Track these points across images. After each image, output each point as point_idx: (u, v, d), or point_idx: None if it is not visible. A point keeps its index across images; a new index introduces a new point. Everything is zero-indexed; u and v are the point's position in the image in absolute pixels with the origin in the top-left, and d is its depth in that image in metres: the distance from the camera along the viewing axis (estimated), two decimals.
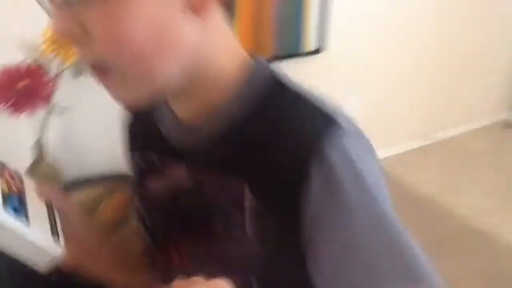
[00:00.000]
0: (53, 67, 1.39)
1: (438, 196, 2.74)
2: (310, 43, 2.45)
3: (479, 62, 3.36)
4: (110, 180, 1.55)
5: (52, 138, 1.57)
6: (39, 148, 1.49)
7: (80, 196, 1.49)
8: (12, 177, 0.58)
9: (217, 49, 0.54)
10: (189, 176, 0.60)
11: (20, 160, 1.48)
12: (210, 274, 0.43)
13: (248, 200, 0.54)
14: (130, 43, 0.46)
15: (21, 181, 0.59)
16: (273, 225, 0.53)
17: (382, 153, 3.09)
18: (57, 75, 1.40)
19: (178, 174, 0.62)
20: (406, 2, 2.78)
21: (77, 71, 1.44)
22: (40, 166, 1.49)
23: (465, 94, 3.40)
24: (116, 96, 0.53)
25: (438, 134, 3.37)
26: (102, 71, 0.50)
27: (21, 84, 1.31)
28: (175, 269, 0.67)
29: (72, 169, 1.65)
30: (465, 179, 2.95)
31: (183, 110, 0.60)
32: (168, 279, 0.43)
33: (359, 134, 0.54)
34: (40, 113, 1.40)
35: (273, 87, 0.58)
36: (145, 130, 0.69)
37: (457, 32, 3.10)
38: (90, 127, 1.74)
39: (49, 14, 0.51)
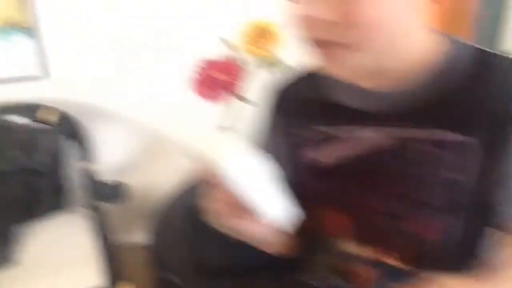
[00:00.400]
0: (248, 62, 1.51)
1: None
2: (509, 44, 2.30)
3: None
4: None
5: (239, 126, 1.71)
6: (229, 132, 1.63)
7: None
8: None
9: (418, 25, 0.61)
10: (387, 136, 0.66)
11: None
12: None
13: (471, 154, 0.62)
14: (384, 25, 0.56)
15: None
16: (482, 161, 0.61)
17: None
18: (251, 70, 1.51)
19: (369, 137, 0.67)
20: None
21: (270, 66, 1.54)
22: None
23: None
24: (341, 67, 0.61)
25: None
26: (339, 47, 0.58)
27: (220, 76, 1.45)
28: (332, 233, 0.75)
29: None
30: None
31: (373, 79, 0.65)
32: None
33: None
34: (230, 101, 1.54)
35: (478, 56, 0.65)
36: (303, 104, 0.75)
37: None
38: None
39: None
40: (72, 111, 1.71)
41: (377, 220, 0.70)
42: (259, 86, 1.60)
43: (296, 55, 1.56)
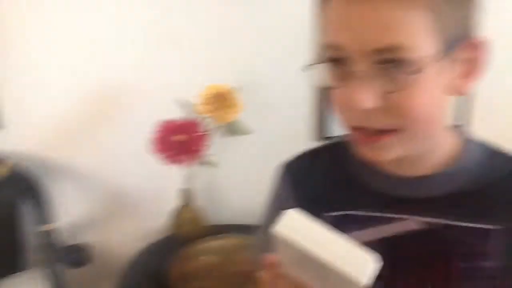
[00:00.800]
0: (207, 124, 1.55)
1: None
2: None
3: None
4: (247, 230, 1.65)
5: (199, 186, 1.73)
6: (186, 194, 1.65)
7: (220, 242, 1.61)
8: None
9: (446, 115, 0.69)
10: (425, 222, 0.70)
11: (167, 202, 1.68)
12: None
13: (494, 241, 0.68)
14: (423, 114, 0.62)
15: None
16: None
17: None
18: (210, 132, 1.55)
19: (406, 223, 0.71)
20: None
21: (229, 131, 1.59)
22: (185, 209, 1.65)
23: None
24: (379, 153, 0.65)
25: None
26: (381, 133, 0.63)
27: (178, 138, 1.49)
28: None
29: (213, 216, 1.79)
30: None
31: (409, 167, 0.70)
32: None
33: None
34: (191, 164, 1.56)
35: (490, 149, 0.74)
36: (332, 188, 0.77)
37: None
38: (233, 181, 1.88)
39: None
40: (26, 165, 1.70)
41: None
42: (219, 148, 1.65)
43: (255, 120, 1.64)
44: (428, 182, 0.70)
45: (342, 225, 0.71)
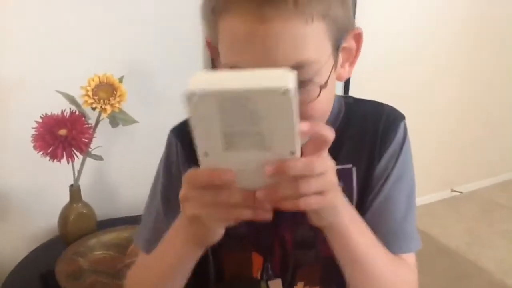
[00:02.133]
0: (91, 116, 1.51)
1: (464, 249, 2.72)
2: None
3: (507, 115, 3.38)
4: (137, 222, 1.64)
5: (87, 181, 1.68)
6: (74, 190, 1.60)
7: (110, 236, 1.58)
8: None
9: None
10: None
11: (58, 200, 1.62)
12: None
13: (355, 178, 0.78)
14: (328, 110, 0.72)
15: None
16: (368, 187, 0.78)
17: None
18: (95, 125, 1.51)
19: None
20: (433, 53, 2.86)
21: (115, 122, 1.55)
22: (75, 206, 1.59)
23: (492, 147, 3.41)
24: None
25: (464, 186, 3.36)
26: None
27: (62, 131, 1.43)
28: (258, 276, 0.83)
29: (104, 210, 1.75)
30: (492, 232, 2.92)
31: None
32: None
33: None
34: (77, 158, 1.51)
35: (348, 99, 0.85)
36: None
37: (483, 86, 3.15)
38: (120, 173, 1.85)
39: None
40: None
41: (297, 254, 0.79)
42: (105, 140, 1.62)
43: (139, 110, 1.63)
44: None
45: None
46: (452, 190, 3.34)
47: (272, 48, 0.58)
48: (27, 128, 1.43)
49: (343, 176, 0.70)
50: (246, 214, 0.55)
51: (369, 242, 0.70)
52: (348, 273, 0.71)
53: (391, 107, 0.85)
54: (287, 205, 0.53)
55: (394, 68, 2.74)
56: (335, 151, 0.64)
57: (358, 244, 0.67)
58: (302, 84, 0.61)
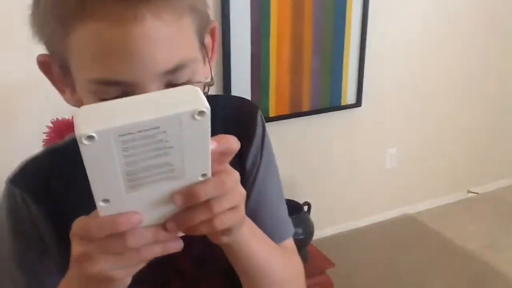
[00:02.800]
0: None
1: (478, 251, 2.68)
2: (348, 97, 2.52)
3: None
4: None
5: None
6: None
7: None
8: None
9: None
10: None
11: None
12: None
13: None
14: None
15: None
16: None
17: (422, 205, 3.09)
18: None
19: None
20: (443, 58, 2.83)
21: None
22: None
23: (506, 148, 3.36)
24: None
25: (478, 188, 3.32)
26: None
27: (73, 135, 1.42)
28: None
29: None
30: (509, 235, 2.88)
31: None
32: None
33: None
34: None
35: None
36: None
37: (499, 86, 3.10)
38: None
39: None
40: None
41: (197, 273, 0.75)
42: None
43: None
44: None
45: None
46: (469, 191, 3.30)
47: (149, 50, 0.51)
48: (38, 132, 1.43)
49: None
50: (157, 251, 0.49)
51: (267, 247, 0.68)
52: (248, 282, 0.69)
53: (242, 98, 0.79)
54: (203, 229, 0.49)
55: (410, 73, 2.72)
56: None
57: (258, 252, 0.64)
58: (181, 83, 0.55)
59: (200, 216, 0.48)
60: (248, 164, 0.75)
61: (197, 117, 0.41)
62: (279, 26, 2.24)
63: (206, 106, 0.41)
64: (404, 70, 2.71)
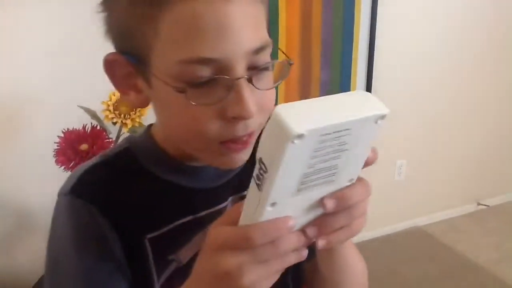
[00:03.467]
0: (113, 131, 1.52)
1: (491, 265, 2.65)
2: None
3: None
4: None
5: None
6: None
7: None
8: None
9: None
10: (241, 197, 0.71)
11: None
12: None
13: None
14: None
15: None
16: None
17: (431, 218, 3.06)
18: (116, 139, 1.52)
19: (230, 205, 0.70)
20: (454, 71, 2.83)
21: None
22: None
23: None
24: (243, 157, 0.61)
25: (488, 200, 3.29)
26: (249, 137, 0.59)
27: (84, 146, 1.44)
28: None
29: None
30: None
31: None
32: None
33: None
34: None
35: None
36: (150, 203, 0.65)
37: (508, 100, 3.09)
38: None
39: None
40: None
41: None
42: None
43: None
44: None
45: (178, 236, 0.64)
46: (479, 204, 3.27)
47: (241, 27, 0.52)
48: (50, 143, 1.45)
49: None
50: (293, 259, 0.46)
51: (355, 250, 0.69)
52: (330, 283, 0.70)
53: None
54: (341, 236, 0.48)
55: (418, 85, 2.72)
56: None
57: (351, 254, 0.66)
58: (265, 69, 0.56)
59: (341, 221, 0.47)
60: None
61: (379, 121, 0.42)
62: (288, 40, 2.26)
63: (387, 111, 0.42)
64: (413, 82, 2.70)
